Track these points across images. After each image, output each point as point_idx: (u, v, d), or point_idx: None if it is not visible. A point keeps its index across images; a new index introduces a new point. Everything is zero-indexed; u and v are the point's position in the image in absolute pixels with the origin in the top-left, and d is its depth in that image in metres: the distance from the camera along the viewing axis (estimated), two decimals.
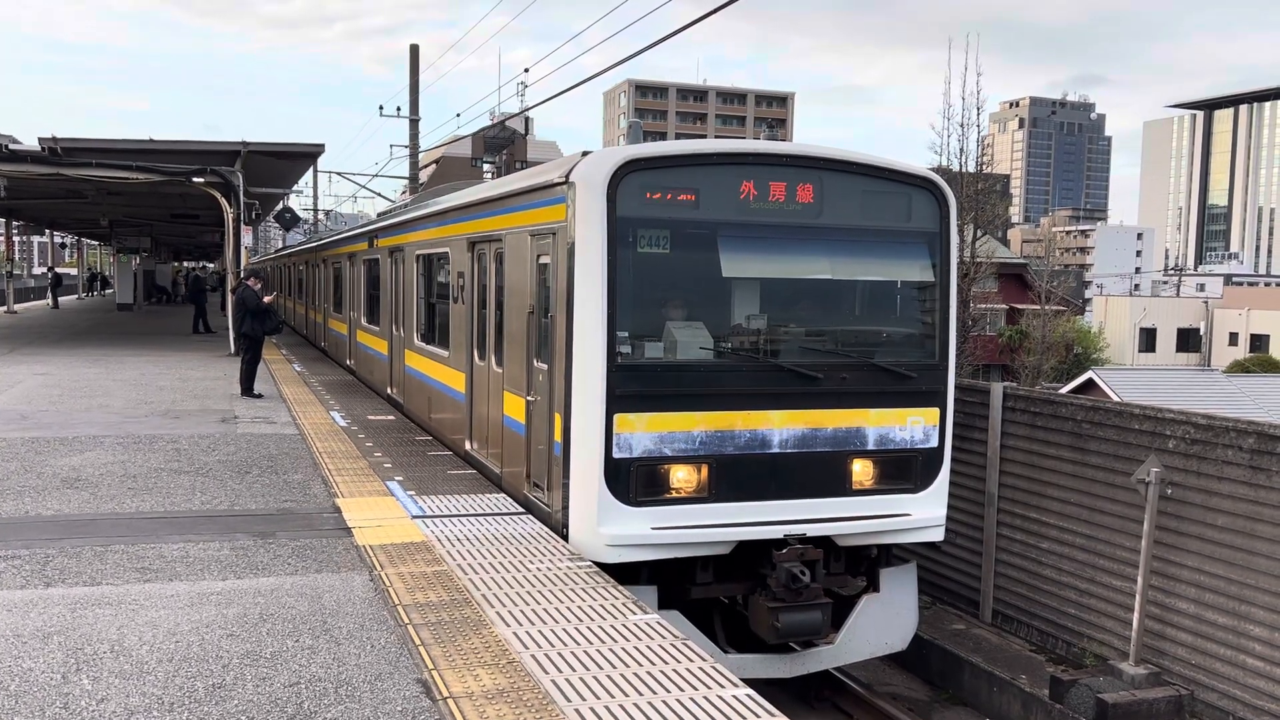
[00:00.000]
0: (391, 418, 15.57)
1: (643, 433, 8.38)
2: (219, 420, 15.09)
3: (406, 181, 40.30)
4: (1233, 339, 72.27)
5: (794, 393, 8.76)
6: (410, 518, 9.39)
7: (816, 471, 8.86)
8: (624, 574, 8.19)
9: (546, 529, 9.03)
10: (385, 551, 8.28)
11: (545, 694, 5.58)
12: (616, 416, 8.30)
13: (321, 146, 25.36)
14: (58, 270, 57.56)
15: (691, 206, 8.56)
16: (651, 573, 8.62)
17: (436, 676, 5.81)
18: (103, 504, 9.85)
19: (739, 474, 8.63)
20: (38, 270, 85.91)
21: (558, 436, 8.74)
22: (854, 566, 9.54)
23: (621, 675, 5.84)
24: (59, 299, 52.43)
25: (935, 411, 9.29)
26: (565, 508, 8.66)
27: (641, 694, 5.59)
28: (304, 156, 26.85)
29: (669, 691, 5.62)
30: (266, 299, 18.54)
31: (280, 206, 38.09)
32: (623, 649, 6.23)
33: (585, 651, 6.19)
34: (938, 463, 9.34)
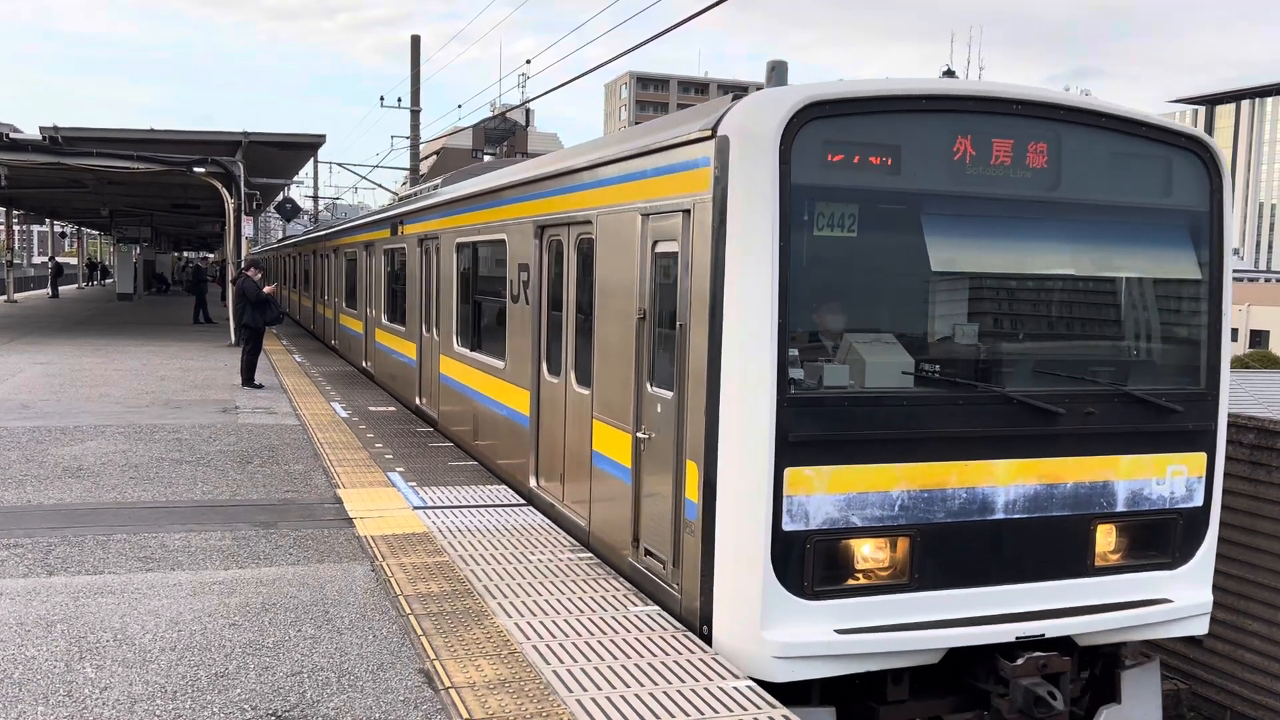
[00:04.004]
0: (393, 409, 15.58)
1: (823, 494, 6.10)
2: (220, 410, 15.10)
3: (407, 172, 40.27)
4: (1233, 335, 72.37)
5: (1024, 435, 6.49)
6: (411, 509, 9.41)
7: (1052, 544, 6.63)
8: (790, 689, 6.08)
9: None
10: (387, 542, 8.30)
11: (546, 684, 5.60)
12: (788, 472, 5.99)
13: (322, 137, 25.38)
14: (58, 260, 57.53)
15: (888, 172, 6.24)
16: (825, 687, 6.38)
17: (438, 666, 5.83)
18: (104, 493, 9.87)
19: (952, 551, 6.40)
20: (38, 259, 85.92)
21: (691, 493, 6.46)
22: (1088, 670, 7.24)
23: (622, 666, 5.86)
24: (59, 288, 52.42)
25: (1201, 458, 6.98)
26: (705, 596, 6.32)
27: (643, 685, 5.61)
28: (305, 147, 26.84)
29: (670, 683, 5.64)
30: (267, 289, 18.55)
31: (281, 197, 38.08)
32: (624, 640, 6.25)
33: (586, 643, 6.21)
34: (1202, 527, 7.06)
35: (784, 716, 5.28)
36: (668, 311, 6.90)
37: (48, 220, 56.17)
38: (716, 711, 5.32)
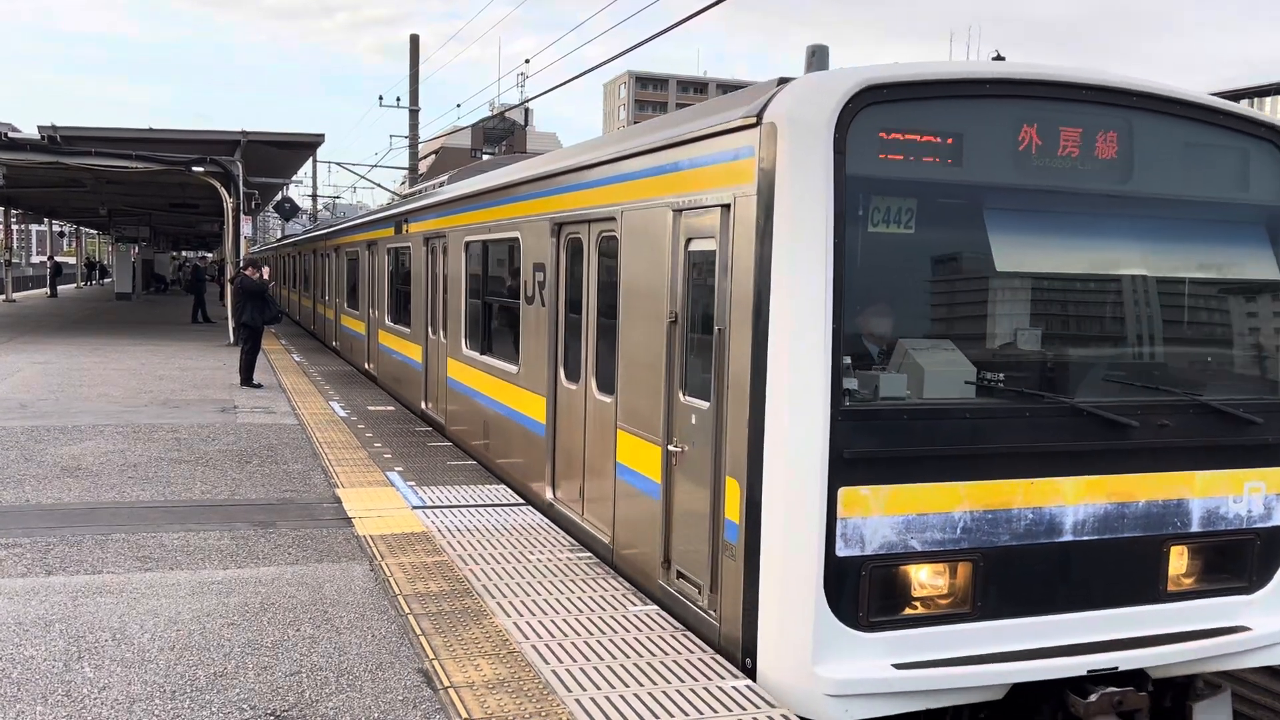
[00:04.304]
0: (391, 408, 15.58)
1: (880, 516, 5.59)
2: (219, 410, 15.09)
3: (406, 172, 40.27)
4: None
5: (1094, 449, 5.96)
6: (410, 508, 9.41)
7: (1123, 568, 6.12)
8: None
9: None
10: (385, 541, 8.30)
11: (546, 684, 5.59)
12: (843, 492, 5.48)
13: (321, 136, 25.38)
14: (57, 259, 57.55)
15: (948, 163, 5.73)
16: None
17: (437, 666, 5.82)
18: (103, 493, 9.86)
19: (1017, 576, 5.88)
20: (36, 259, 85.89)
21: (731, 513, 5.96)
22: (1156, 701, 6.54)
23: (621, 666, 5.86)
24: (57, 288, 52.41)
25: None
26: (748, 626, 5.79)
27: (642, 684, 5.61)
28: (303, 146, 26.85)
29: (669, 682, 5.64)
30: (265, 273, 18.72)
31: (280, 196, 38.07)
32: (623, 639, 6.25)
33: (585, 642, 6.21)
34: None
35: (783, 716, 5.28)
36: (703, 315, 6.39)
37: (46, 220, 56.15)
38: (715, 711, 5.32)
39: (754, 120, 5.71)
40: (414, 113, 37.75)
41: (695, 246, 6.48)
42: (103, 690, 5.49)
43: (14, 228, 52.99)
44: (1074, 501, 5.95)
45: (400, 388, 16.34)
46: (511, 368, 10.24)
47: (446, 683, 5.60)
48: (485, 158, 33.97)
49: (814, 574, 5.45)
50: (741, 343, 5.79)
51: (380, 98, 40.81)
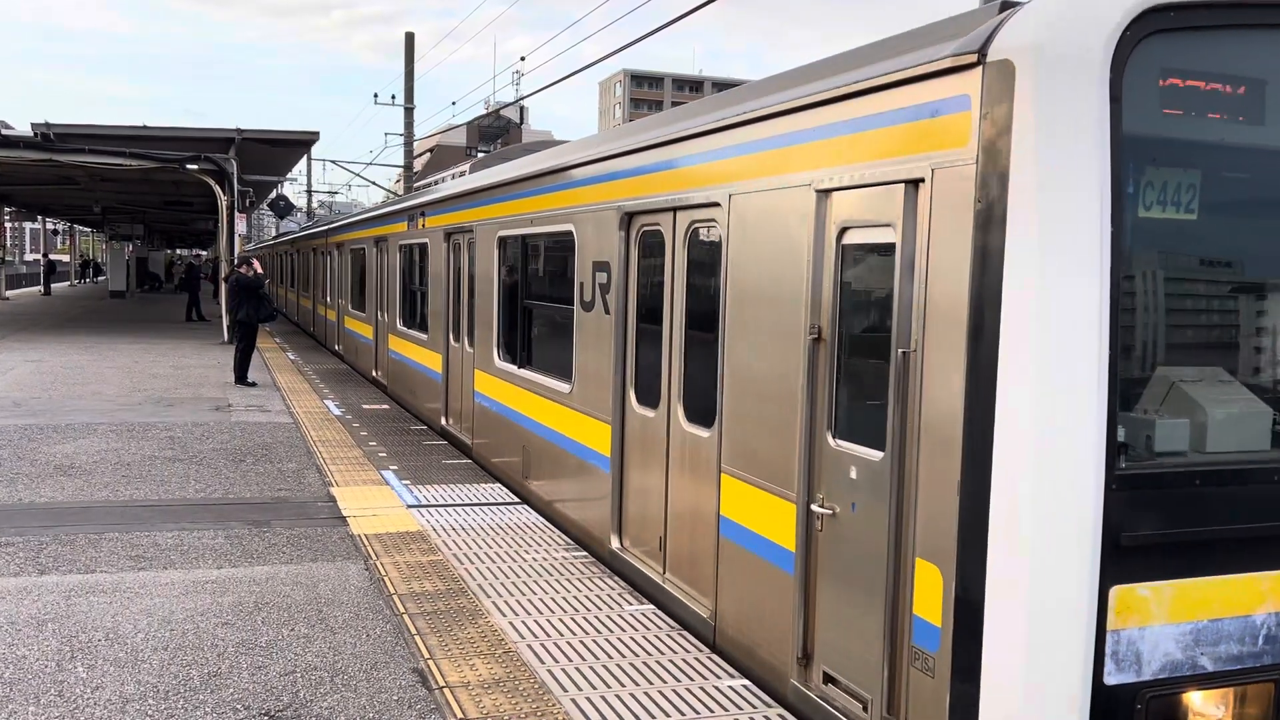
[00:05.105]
0: (386, 406, 15.54)
1: (1163, 624, 4.06)
2: (213, 408, 15.05)
3: (401, 169, 40.21)
4: None
5: None
6: (405, 507, 9.38)
7: None
8: None
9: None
10: (380, 540, 8.27)
11: (542, 684, 5.57)
12: (1116, 593, 3.96)
13: (316, 134, 25.31)
14: (51, 257, 57.43)
15: (1244, 118, 4.13)
16: None
17: (433, 666, 5.80)
18: (97, 491, 9.82)
19: None
20: (30, 257, 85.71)
21: (926, 609, 4.36)
22: None
23: (618, 665, 5.84)
24: (51, 286, 52.30)
25: None
26: None
27: (638, 684, 5.59)
28: (298, 144, 26.77)
29: (665, 682, 5.62)
30: (257, 269, 18.72)
31: (274, 194, 38.00)
32: (619, 639, 6.23)
33: (582, 642, 6.19)
34: None
35: (779, 716, 5.26)
36: (868, 330, 4.91)
37: (40, 217, 56.02)
38: (713, 711, 5.30)
39: (973, 59, 4.09)
40: (409, 110, 37.71)
41: (855, 238, 4.92)
42: (96, 690, 5.46)
43: (7, 225, 52.85)
44: None
45: (415, 400, 14.88)
46: (561, 385, 8.75)
47: (442, 682, 5.58)
48: (480, 155, 33.91)
49: (1074, 712, 3.89)
50: (945, 371, 4.21)
51: (375, 95, 40.74)
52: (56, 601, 6.77)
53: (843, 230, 4.96)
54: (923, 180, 4.39)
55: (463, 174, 15.27)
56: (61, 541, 8.14)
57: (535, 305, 9.80)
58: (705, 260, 6.42)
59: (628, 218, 7.44)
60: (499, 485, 10.29)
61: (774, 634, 5.52)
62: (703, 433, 6.37)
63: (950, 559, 4.18)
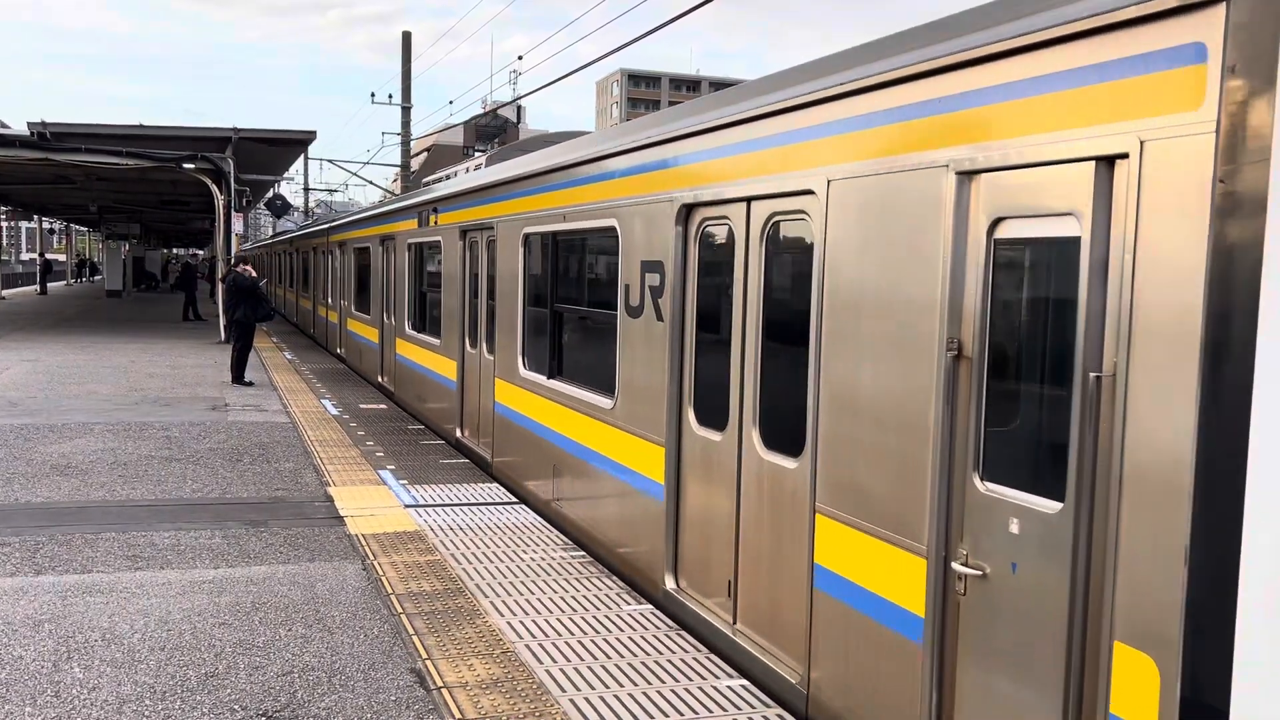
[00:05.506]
0: (384, 406, 15.52)
1: None
2: (210, 408, 15.03)
3: (398, 169, 40.18)
4: None
5: None
6: (403, 507, 9.36)
7: None
8: None
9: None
10: (378, 540, 8.25)
11: (540, 684, 5.56)
12: None
13: (313, 134, 25.29)
14: (47, 256, 57.37)
15: None
16: None
17: (430, 666, 5.78)
18: (93, 491, 9.79)
19: None
20: (26, 256, 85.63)
21: (1128, 709, 3.48)
22: None
23: (616, 666, 5.83)
24: (47, 285, 52.25)
25: None
26: None
27: (636, 685, 5.57)
28: (295, 143, 26.74)
29: (664, 682, 5.61)
30: (254, 273, 18.68)
31: (271, 193, 37.97)
32: (617, 639, 6.22)
33: (580, 642, 6.17)
34: None
35: (778, 715, 5.25)
36: (1033, 345, 3.99)
37: (36, 217, 55.95)
38: (711, 711, 5.28)
39: None
40: (406, 110, 37.68)
41: (1015, 231, 4.00)
42: (92, 691, 5.44)
43: (3, 224, 52.78)
44: None
45: (426, 409, 13.96)
46: (602, 400, 7.90)
47: (440, 683, 5.56)
48: (477, 155, 33.88)
49: None
50: (1163, 401, 3.34)
51: (373, 95, 40.80)
52: (53, 602, 6.75)
53: (996, 221, 4.06)
54: (1124, 156, 3.50)
55: (478, 168, 14.47)
56: (58, 541, 8.11)
57: (568, 309, 8.97)
58: (791, 258, 5.59)
59: (686, 210, 6.57)
60: (496, 485, 10.27)
61: (894, 714, 4.61)
62: (787, 463, 5.50)
63: (1172, 648, 3.29)
